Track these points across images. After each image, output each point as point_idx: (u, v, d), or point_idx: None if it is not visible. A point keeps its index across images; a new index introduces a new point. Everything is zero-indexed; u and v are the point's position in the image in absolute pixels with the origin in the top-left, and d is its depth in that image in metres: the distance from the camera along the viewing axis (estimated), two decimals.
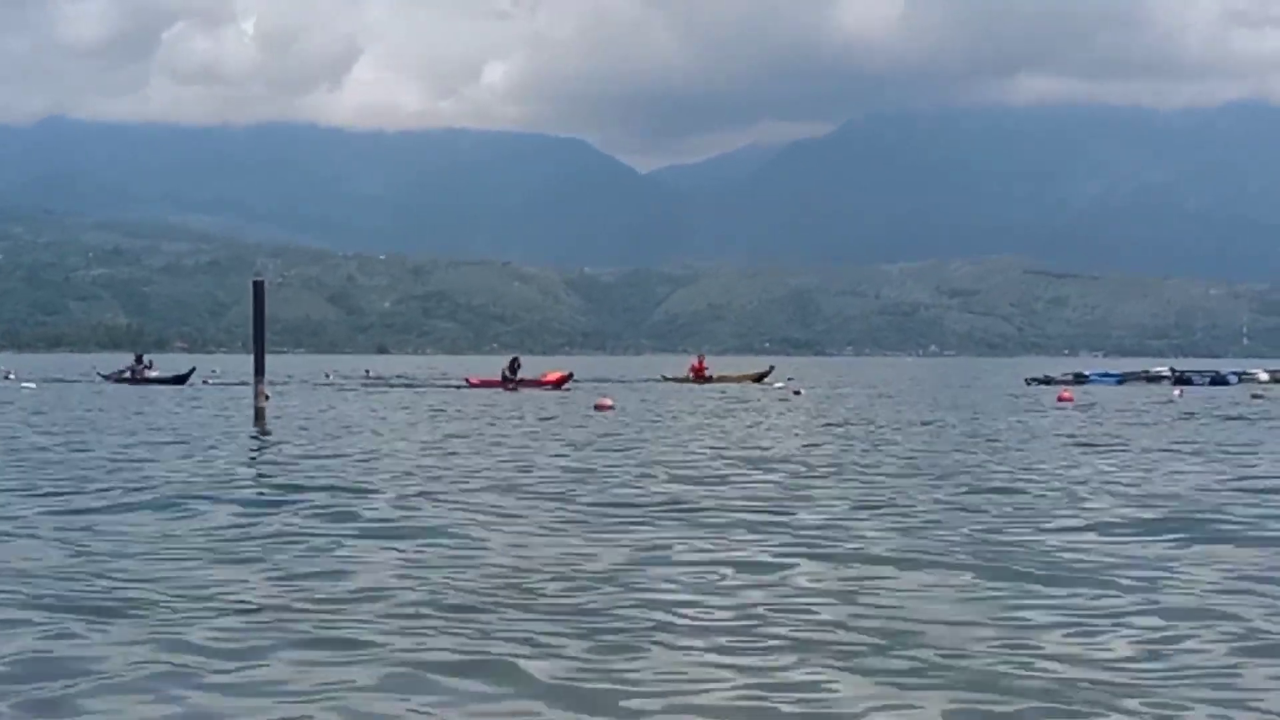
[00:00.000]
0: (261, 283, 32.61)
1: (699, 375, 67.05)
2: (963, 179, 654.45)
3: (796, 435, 28.19)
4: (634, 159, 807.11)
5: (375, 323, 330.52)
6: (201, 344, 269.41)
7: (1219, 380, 70.55)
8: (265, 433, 28.22)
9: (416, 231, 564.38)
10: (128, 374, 64.20)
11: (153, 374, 64.04)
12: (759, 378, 68.53)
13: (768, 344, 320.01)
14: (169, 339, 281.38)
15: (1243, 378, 72.02)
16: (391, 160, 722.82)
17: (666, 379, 69.21)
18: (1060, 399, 48.00)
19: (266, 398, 32.13)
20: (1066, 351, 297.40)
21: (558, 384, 58.47)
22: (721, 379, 66.50)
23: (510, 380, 57.74)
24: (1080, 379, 72.86)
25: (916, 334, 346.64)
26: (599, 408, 38.86)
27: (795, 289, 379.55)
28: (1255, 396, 51.14)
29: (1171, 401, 47.58)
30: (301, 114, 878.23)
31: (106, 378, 65.82)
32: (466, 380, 62.35)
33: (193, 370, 66.71)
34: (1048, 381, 70.22)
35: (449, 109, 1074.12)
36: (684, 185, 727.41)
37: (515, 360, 60.99)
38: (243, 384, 49.32)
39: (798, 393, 54.12)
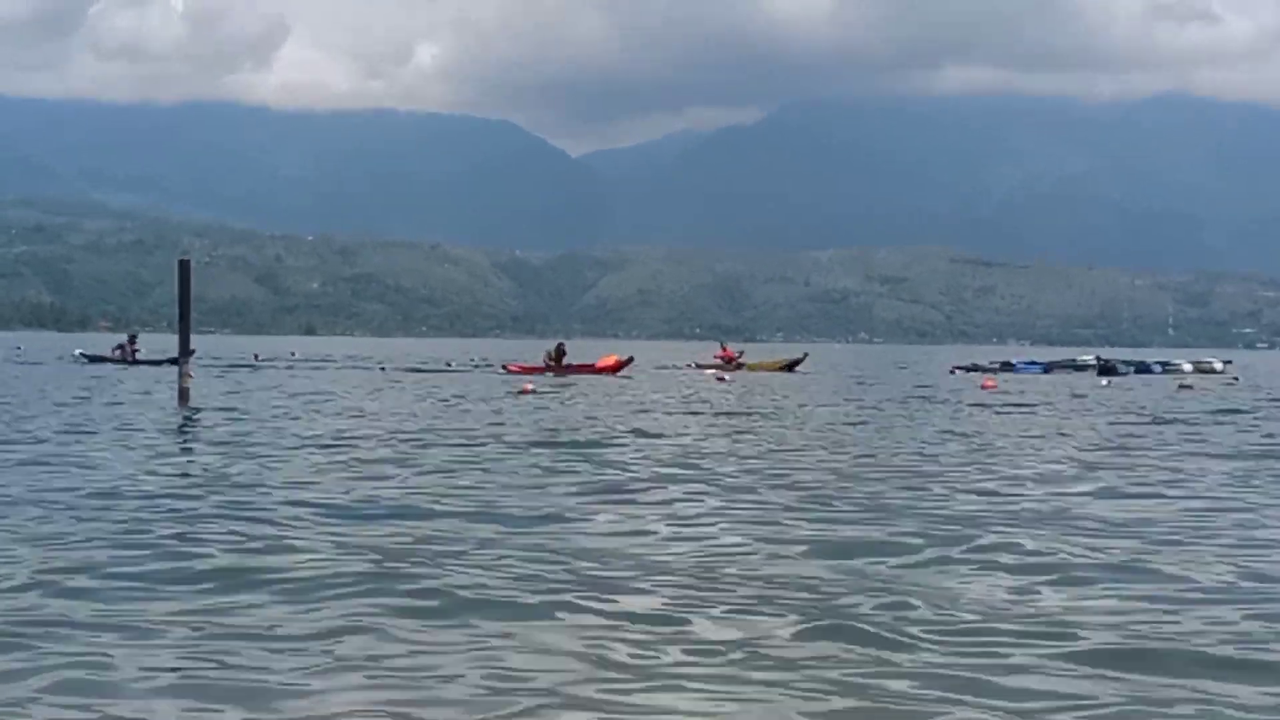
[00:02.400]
0: (188, 262, 31.99)
1: (729, 361, 65.48)
2: (890, 167, 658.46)
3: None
4: (564, 142, 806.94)
5: (302, 303, 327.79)
6: (125, 323, 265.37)
7: (1144, 370, 71.31)
8: (190, 411, 27.97)
9: (344, 212, 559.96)
10: (117, 354, 59.40)
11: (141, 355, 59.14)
12: (790, 366, 66.06)
13: (697, 330, 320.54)
14: (92, 318, 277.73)
15: (1167, 368, 72.68)
16: (319, 140, 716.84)
17: (698, 365, 67.98)
18: (983, 387, 48.25)
19: (190, 377, 31.69)
20: (994, 340, 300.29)
21: (615, 369, 55.00)
22: (753, 367, 65.20)
23: (554, 364, 54.61)
24: (1007, 367, 73.36)
25: (846, 321, 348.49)
26: (523, 392, 39.17)
27: (724, 275, 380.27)
28: (1182, 387, 51.54)
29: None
30: (227, 92, 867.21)
31: (91, 359, 61.37)
32: (505, 367, 58.29)
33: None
34: (974, 369, 70.73)
35: (378, 89, 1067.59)
36: (614, 169, 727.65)
37: (561, 345, 57.44)
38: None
39: (722, 379, 54.15)
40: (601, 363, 56.12)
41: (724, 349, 68.13)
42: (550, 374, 52.75)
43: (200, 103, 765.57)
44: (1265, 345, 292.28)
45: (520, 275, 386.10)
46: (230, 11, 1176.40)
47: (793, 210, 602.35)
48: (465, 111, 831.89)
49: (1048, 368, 74.09)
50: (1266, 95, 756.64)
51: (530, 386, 40.93)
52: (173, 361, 56.82)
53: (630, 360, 57.29)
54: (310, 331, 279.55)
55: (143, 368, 55.27)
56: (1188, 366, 73.60)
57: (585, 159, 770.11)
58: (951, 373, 69.16)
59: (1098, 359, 76.64)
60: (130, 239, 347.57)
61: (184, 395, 30.26)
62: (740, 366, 64.79)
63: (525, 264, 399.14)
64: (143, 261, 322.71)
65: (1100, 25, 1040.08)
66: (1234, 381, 61.09)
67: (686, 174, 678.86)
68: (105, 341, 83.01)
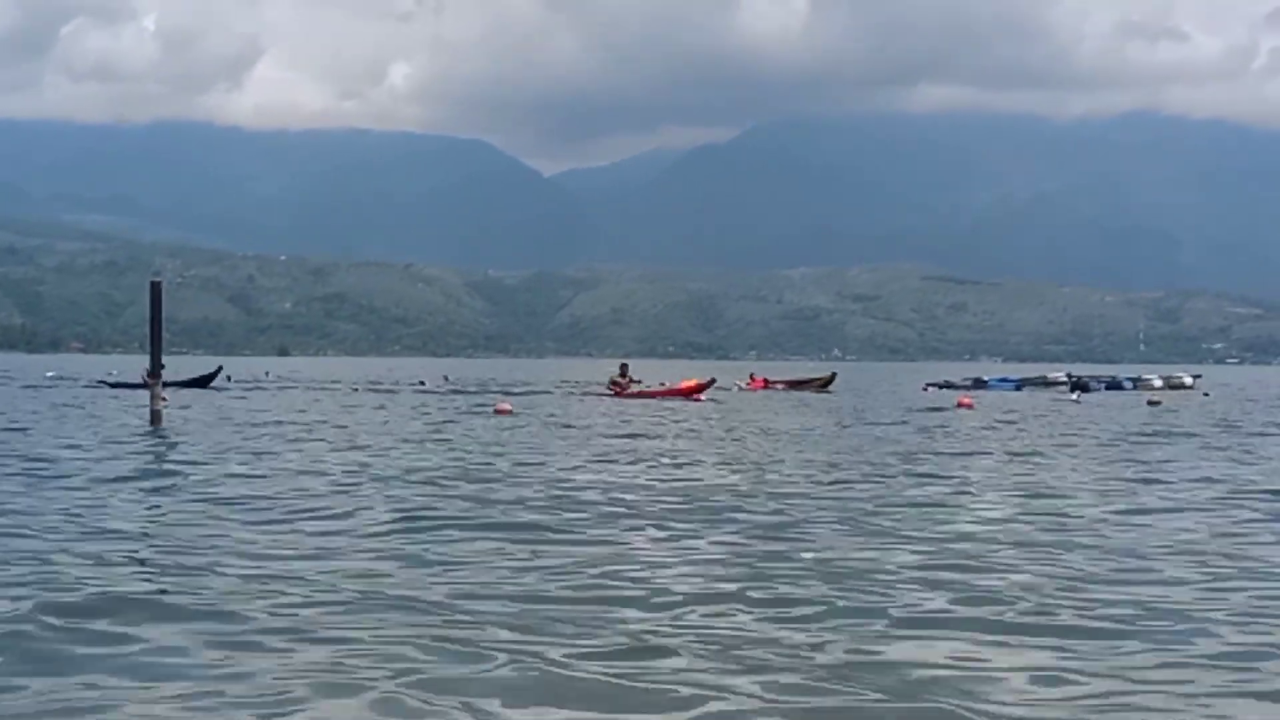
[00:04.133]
0: (159, 283, 31.96)
1: (764, 384, 65.79)
2: (863, 185, 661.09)
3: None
4: (538, 162, 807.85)
5: (275, 324, 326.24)
6: (97, 344, 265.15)
7: (1115, 386, 71.71)
8: (161, 433, 27.86)
9: (317, 232, 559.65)
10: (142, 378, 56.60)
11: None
12: (824, 385, 65.74)
13: (671, 348, 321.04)
14: (64, 339, 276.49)
15: (1138, 384, 73.08)
16: (292, 160, 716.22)
17: (740, 389, 68.02)
18: (960, 404, 48.23)
19: (164, 400, 31.72)
20: (967, 357, 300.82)
21: (695, 393, 52.24)
22: (789, 385, 65.69)
23: (619, 385, 52.30)
24: (980, 384, 73.57)
25: (818, 339, 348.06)
26: (499, 412, 38.71)
27: (697, 293, 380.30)
28: (1152, 403, 51.85)
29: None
30: (200, 112, 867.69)
31: (115, 386, 57.69)
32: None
33: (219, 370, 59.91)
34: (947, 386, 70.94)
35: (351, 109, 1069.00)
36: (587, 188, 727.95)
37: (624, 366, 55.31)
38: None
39: (699, 398, 54.04)
40: (683, 385, 54.16)
41: (753, 378, 68.33)
42: (618, 397, 50.65)
43: (173, 123, 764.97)
44: (1235, 360, 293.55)
45: (494, 295, 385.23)
46: (204, 32, 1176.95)
47: (766, 229, 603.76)
48: (439, 131, 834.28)
49: (1020, 384, 74.42)
50: (1236, 113, 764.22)
51: (507, 406, 40.23)
52: (204, 383, 56.28)
53: (712, 382, 55.22)
54: (283, 352, 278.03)
55: (178, 392, 51.32)
56: (1158, 382, 74.06)
57: (559, 178, 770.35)
58: (924, 390, 69.26)
59: (1069, 375, 77.02)
60: (102, 260, 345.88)
61: (156, 417, 30.21)
62: (796, 384, 65.37)
63: (499, 284, 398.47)
64: (115, 283, 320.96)
65: (1071, 43, 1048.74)
66: (1206, 396, 61.55)
67: (660, 193, 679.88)
68: (77, 364, 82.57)
